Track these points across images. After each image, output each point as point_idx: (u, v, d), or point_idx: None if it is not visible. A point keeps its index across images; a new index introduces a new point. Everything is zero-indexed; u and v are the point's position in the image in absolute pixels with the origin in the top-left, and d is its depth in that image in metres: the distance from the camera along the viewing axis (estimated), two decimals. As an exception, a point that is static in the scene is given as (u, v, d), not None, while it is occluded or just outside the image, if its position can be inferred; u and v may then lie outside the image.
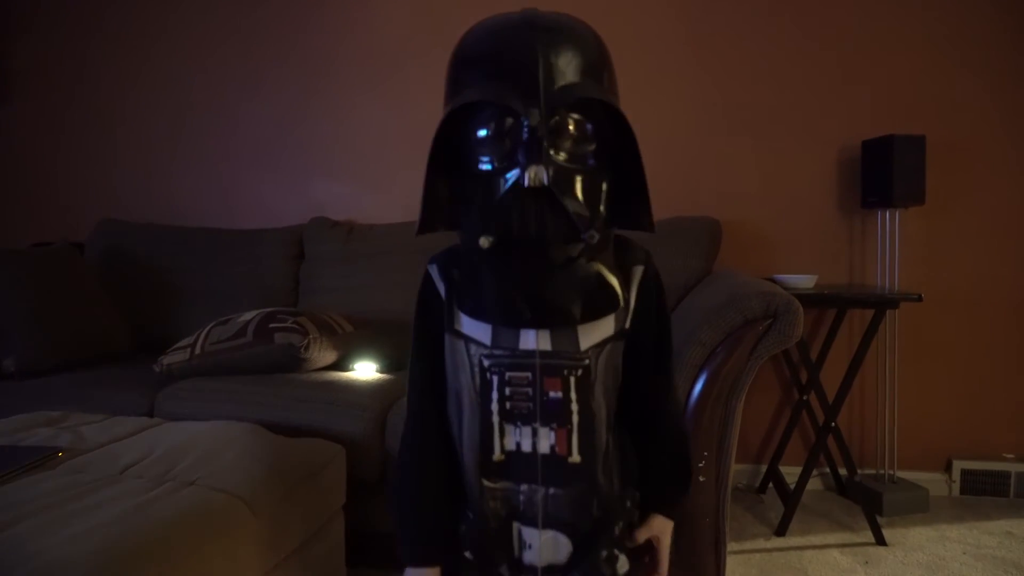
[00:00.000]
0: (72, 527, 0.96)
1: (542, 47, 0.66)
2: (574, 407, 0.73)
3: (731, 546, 1.86)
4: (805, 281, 2.06)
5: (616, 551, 0.76)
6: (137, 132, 2.78)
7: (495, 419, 0.73)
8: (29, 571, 0.86)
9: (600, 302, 0.73)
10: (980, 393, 2.27)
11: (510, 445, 0.73)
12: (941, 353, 2.28)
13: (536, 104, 0.65)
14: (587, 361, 0.73)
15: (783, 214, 2.33)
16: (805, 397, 2.19)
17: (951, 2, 2.23)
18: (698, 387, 1.51)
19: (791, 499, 1.98)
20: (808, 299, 1.93)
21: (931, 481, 2.25)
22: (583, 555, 0.74)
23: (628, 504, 0.79)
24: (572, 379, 0.72)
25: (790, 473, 2.24)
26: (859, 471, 2.27)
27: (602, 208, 0.70)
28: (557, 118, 0.67)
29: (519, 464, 0.73)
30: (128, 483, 1.14)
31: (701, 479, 1.49)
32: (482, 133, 0.69)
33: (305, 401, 1.58)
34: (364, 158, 2.60)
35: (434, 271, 0.79)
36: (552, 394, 0.72)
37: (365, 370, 1.84)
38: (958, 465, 2.26)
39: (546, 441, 0.72)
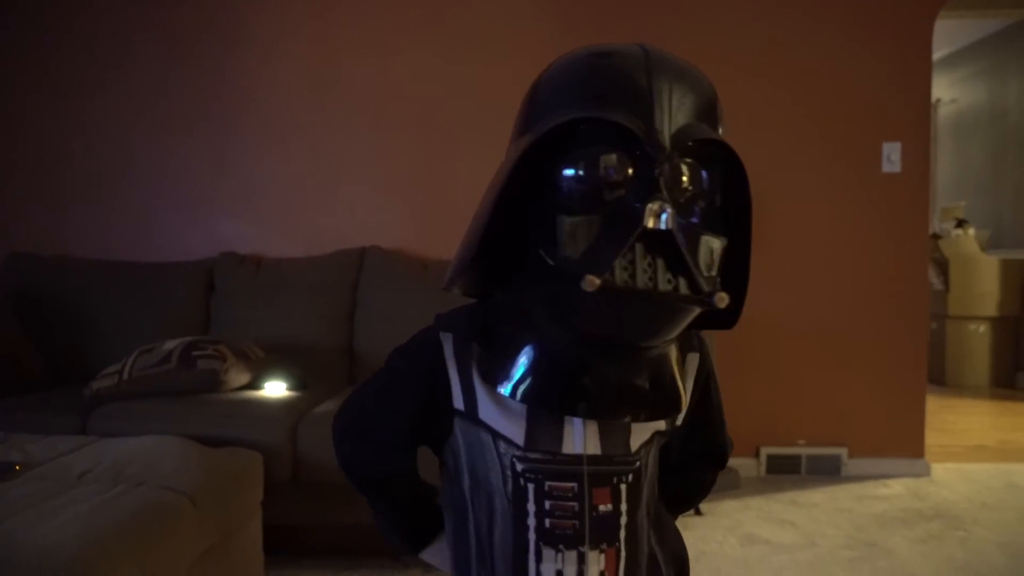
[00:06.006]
0: (52, 521, 1.24)
1: (662, 75, 0.53)
2: (623, 520, 0.61)
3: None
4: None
5: None
6: (46, 168, 2.93)
7: (531, 536, 0.60)
8: (27, 555, 1.14)
9: (665, 400, 0.61)
10: (779, 393, 2.86)
11: (548, 573, 0.59)
12: (751, 364, 2.85)
13: (656, 137, 0.51)
14: (638, 463, 0.62)
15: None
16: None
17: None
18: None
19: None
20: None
21: (744, 464, 2.81)
22: None
23: None
24: (623, 487, 0.61)
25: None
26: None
27: (716, 274, 0.56)
28: (669, 164, 0.52)
29: None
30: (88, 487, 1.41)
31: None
32: (569, 172, 0.53)
33: (226, 416, 1.88)
34: (269, 200, 2.89)
35: (448, 343, 0.62)
36: (602, 508, 0.60)
37: (275, 389, 2.15)
38: (764, 451, 2.84)
39: (595, 567, 0.60)
